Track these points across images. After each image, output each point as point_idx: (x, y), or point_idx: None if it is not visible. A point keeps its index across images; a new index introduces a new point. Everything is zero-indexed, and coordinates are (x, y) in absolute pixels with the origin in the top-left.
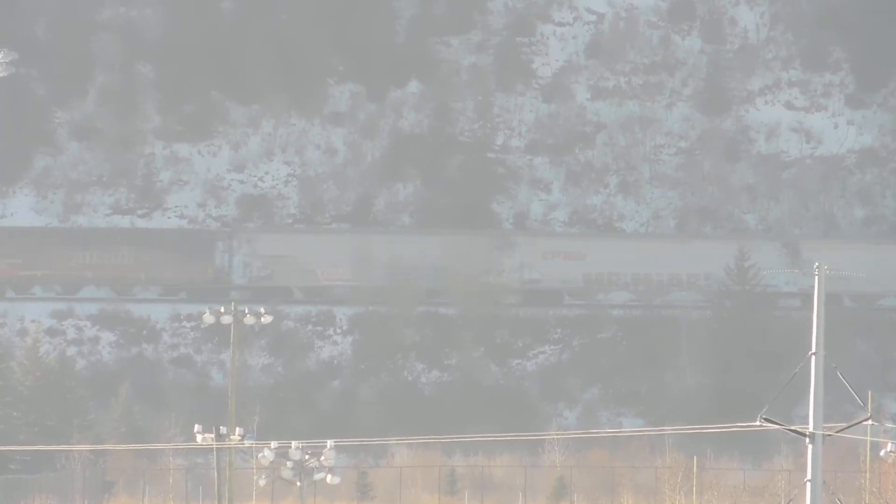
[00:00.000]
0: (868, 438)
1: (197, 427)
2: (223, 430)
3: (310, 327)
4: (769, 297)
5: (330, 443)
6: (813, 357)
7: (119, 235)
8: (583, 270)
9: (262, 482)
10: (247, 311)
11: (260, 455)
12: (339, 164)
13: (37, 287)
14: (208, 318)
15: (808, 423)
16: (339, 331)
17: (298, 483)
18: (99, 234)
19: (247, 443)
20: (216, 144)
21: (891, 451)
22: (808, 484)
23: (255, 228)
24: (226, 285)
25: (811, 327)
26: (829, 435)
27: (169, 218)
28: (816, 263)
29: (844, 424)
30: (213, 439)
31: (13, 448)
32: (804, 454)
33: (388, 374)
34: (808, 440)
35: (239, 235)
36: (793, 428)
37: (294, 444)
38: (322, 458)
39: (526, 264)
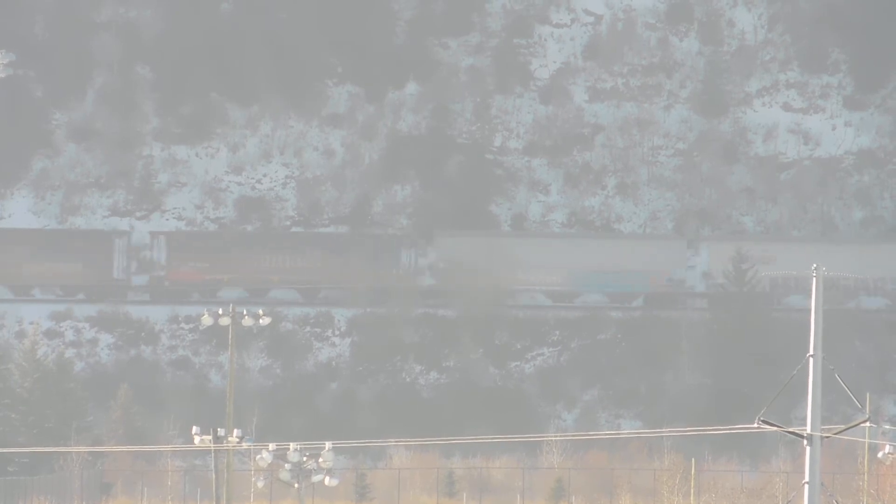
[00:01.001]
0: (866, 440)
1: (195, 429)
2: (221, 431)
3: (308, 329)
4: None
5: (328, 444)
6: (811, 359)
7: (308, 239)
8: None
9: (260, 484)
10: (245, 312)
11: (258, 457)
12: (337, 166)
13: (225, 290)
14: (206, 320)
15: (806, 425)
16: (337, 332)
17: (296, 485)
18: (288, 238)
19: (245, 444)
20: (214, 146)
21: (889, 453)
22: (806, 486)
23: (445, 233)
24: (411, 287)
25: (809, 329)
26: (828, 437)
27: (167, 220)
28: (815, 265)
29: (842, 426)
30: (211, 441)
31: (12, 450)
32: (802, 456)
33: (387, 376)
34: (806, 442)
35: (424, 239)
36: (791, 430)
37: (292, 445)
38: (320, 459)
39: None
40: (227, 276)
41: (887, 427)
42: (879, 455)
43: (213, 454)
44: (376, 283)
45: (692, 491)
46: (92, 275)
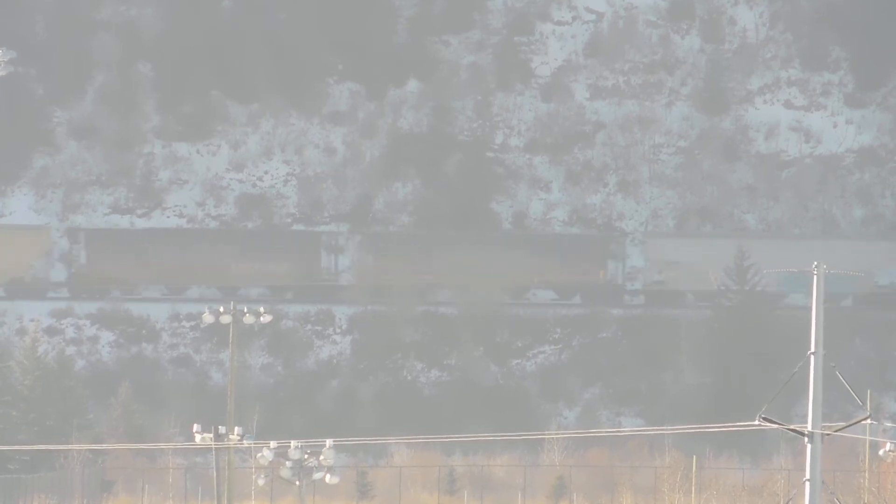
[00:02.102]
0: (867, 438)
1: (196, 426)
2: (222, 429)
3: (309, 327)
4: (769, 297)
5: (329, 442)
6: (812, 356)
7: (516, 239)
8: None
9: (261, 482)
10: (246, 310)
11: (259, 454)
12: (338, 164)
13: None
14: (207, 318)
15: (807, 423)
16: (338, 330)
17: (297, 483)
18: (500, 237)
19: (246, 442)
20: (215, 144)
21: (890, 451)
22: (807, 483)
23: (648, 232)
24: (618, 289)
25: (810, 326)
26: (828, 434)
27: (168, 217)
28: (815, 263)
29: (843, 424)
30: (212, 439)
31: (13, 447)
32: (803, 453)
33: (388, 374)
34: (807, 439)
35: (633, 239)
36: (792, 427)
37: (293, 443)
38: (321, 457)
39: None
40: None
41: (888, 424)
42: (880, 452)
43: (214, 452)
44: (578, 283)
45: (693, 489)
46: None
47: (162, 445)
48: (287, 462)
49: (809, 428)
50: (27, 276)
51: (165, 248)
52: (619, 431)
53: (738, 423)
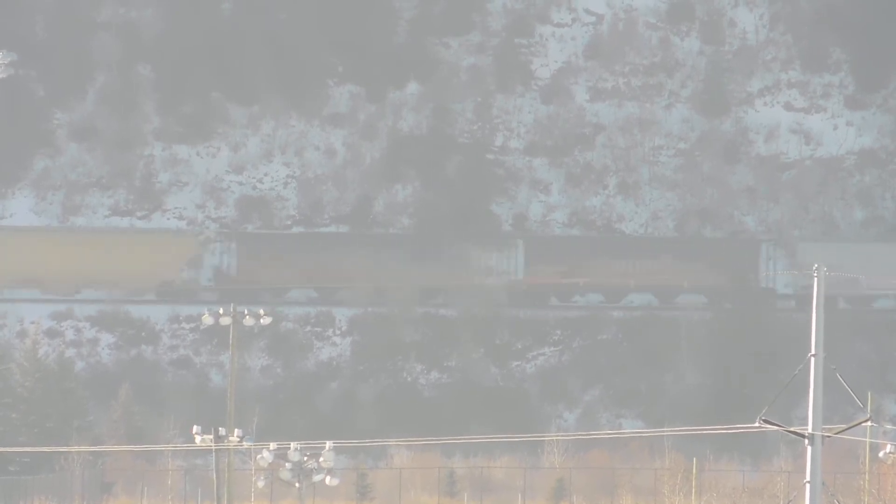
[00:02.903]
0: (867, 440)
1: (196, 428)
2: (222, 431)
3: (309, 328)
4: (768, 299)
5: (329, 444)
6: (812, 358)
7: (661, 244)
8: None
9: (260, 483)
10: (246, 311)
11: (259, 456)
12: (338, 166)
13: (577, 295)
14: (207, 320)
15: (807, 425)
16: (338, 332)
17: (297, 484)
18: (639, 242)
19: (246, 444)
20: (215, 145)
21: (890, 453)
22: (808, 485)
23: (798, 237)
24: (770, 294)
25: (810, 329)
26: (829, 436)
27: (168, 219)
28: (815, 265)
29: (844, 426)
30: (212, 440)
31: (13, 449)
32: (803, 455)
33: (388, 375)
34: (807, 441)
35: (783, 243)
36: (792, 429)
37: (293, 445)
38: (321, 459)
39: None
40: (583, 279)
41: (888, 427)
42: (881, 455)
43: (213, 454)
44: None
45: (693, 490)
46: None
47: (162, 447)
48: (287, 464)
49: (810, 430)
50: (177, 279)
51: (318, 253)
52: (619, 433)
53: (738, 425)
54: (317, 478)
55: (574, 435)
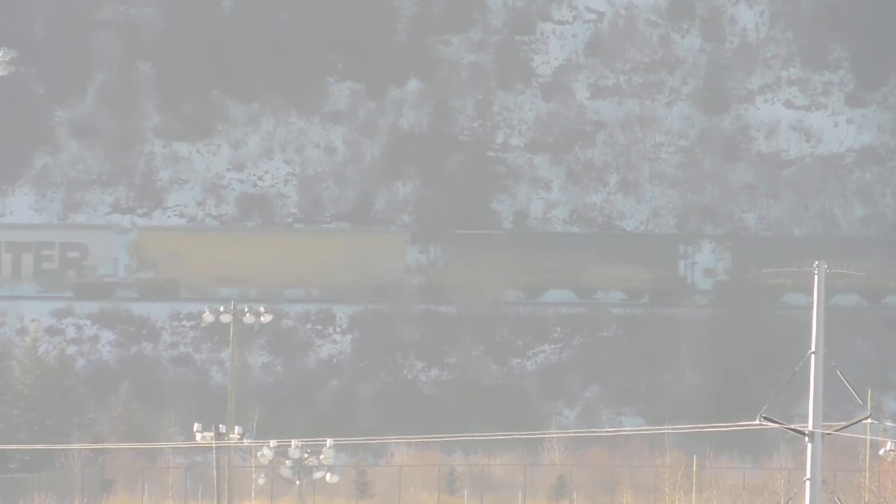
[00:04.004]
0: (868, 437)
1: (196, 426)
2: (222, 428)
3: (309, 326)
4: (769, 296)
5: (329, 441)
6: (812, 356)
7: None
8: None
9: (261, 481)
10: (246, 309)
11: (259, 454)
12: (338, 163)
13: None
14: (208, 317)
15: (807, 422)
16: (338, 329)
17: (298, 482)
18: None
19: (246, 441)
20: (215, 143)
21: (890, 450)
22: (808, 482)
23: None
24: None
25: (811, 326)
26: (829, 434)
27: (168, 217)
28: (816, 262)
29: (844, 423)
30: (212, 438)
31: (13, 447)
32: (804, 453)
33: (388, 373)
34: (807, 439)
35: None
36: (792, 427)
37: (293, 442)
38: (321, 456)
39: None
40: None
41: (889, 424)
42: (881, 452)
43: (214, 451)
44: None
45: (694, 488)
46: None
47: (162, 445)
48: (287, 461)
49: (810, 427)
50: (388, 281)
51: (524, 252)
52: (619, 431)
53: (738, 423)
54: (317, 475)
55: (575, 432)
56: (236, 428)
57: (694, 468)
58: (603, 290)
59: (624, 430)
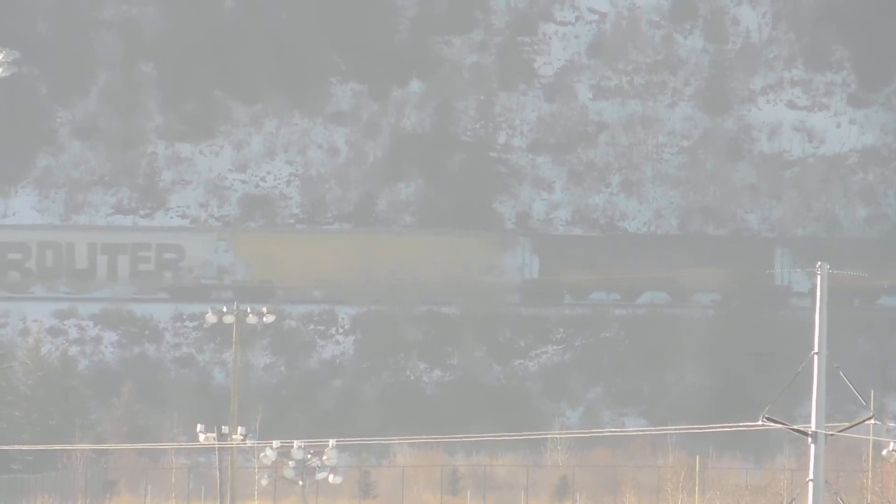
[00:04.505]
0: (871, 438)
1: (199, 426)
2: (225, 429)
3: (312, 327)
4: (771, 297)
5: (332, 442)
6: (815, 356)
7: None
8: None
9: (264, 482)
10: (249, 310)
11: (262, 454)
12: (341, 164)
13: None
14: (210, 318)
15: (810, 423)
16: (341, 330)
17: (300, 482)
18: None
19: (249, 442)
20: (218, 144)
21: (893, 451)
22: (811, 483)
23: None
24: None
25: (813, 327)
26: (832, 434)
27: (171, 218)
28: (819, 263)
29: (847, 424)
30: (215, 439)
31: (15, 447)
32: (806, 453)
33: (390, 374)
34: (810, 439)
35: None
36: (795, 427)
37: (296, 443)
38: (324, 457)
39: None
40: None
41: (892, 425)
42: (884, 453)
43: (217, 452)
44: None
45: (696, 488)
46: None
47: (165, 445)
48: (290, 462)
49: (813, 428)
50: (482, 283)
51: (620, 255)
52: (622, 431)
53: (741, 424)
54: (320, 476)
55: (577, 433)
56: (239, 429)
57: (696, 469)
58: (700, 292)
59: (626, 431)
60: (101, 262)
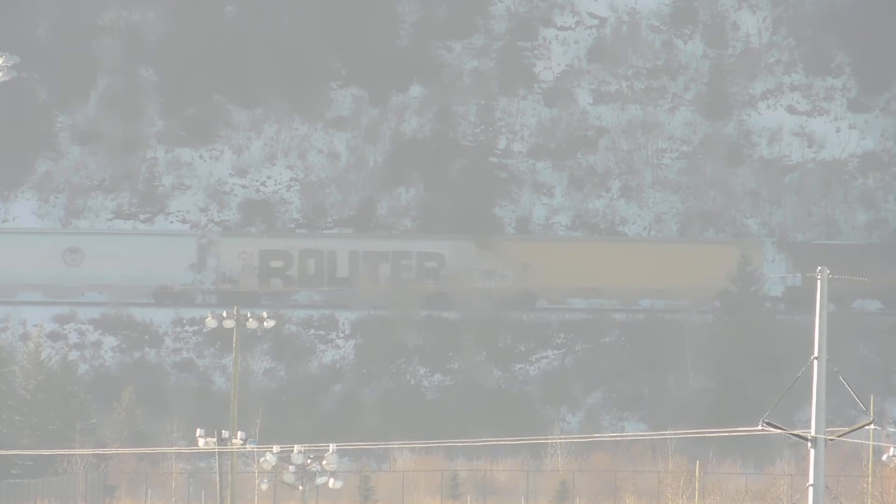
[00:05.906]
0: (870, 442)
1: (199, 431)
2: (225, 434)
3: (312, 331)
4: (771, 301)
5: (332, 447)
6: (815, 361)
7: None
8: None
9: (264, 486)
10: (249, 315)
11: (262, 459)
12: (341, 169)
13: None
14: (211, 323)
15: (810, 428)
16: (341, 335)
17: (300, 487)
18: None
19: (249, 447)
20: (218, 149)
21: (893, 456)
22: (811, 488)
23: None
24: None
25: (813, 332)
26: (832, 439)
27: (171, 223)
28: (819, 268)
29: (847, 429)
30: (215, 443)
31: (16, 452)
32: (806, 458)
33: (391, 378)
34: (810, 444)
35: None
36: (795, 432)
37: (296, 448)
38: (324, 462)
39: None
40: None
41: (891, 429)
42: (884, 458)
43: (217, 456)
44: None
45: (696, 493)
46: None
47: (165, 450)
48: (290, 466)
49: (813, 433)
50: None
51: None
52: (622, 436)
53: (741, 428)
54: (320, 480)
55: (577, 437)
56: (239, 433)
57: (696, 473)
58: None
59: (626, 436)
60: (364, 270)
